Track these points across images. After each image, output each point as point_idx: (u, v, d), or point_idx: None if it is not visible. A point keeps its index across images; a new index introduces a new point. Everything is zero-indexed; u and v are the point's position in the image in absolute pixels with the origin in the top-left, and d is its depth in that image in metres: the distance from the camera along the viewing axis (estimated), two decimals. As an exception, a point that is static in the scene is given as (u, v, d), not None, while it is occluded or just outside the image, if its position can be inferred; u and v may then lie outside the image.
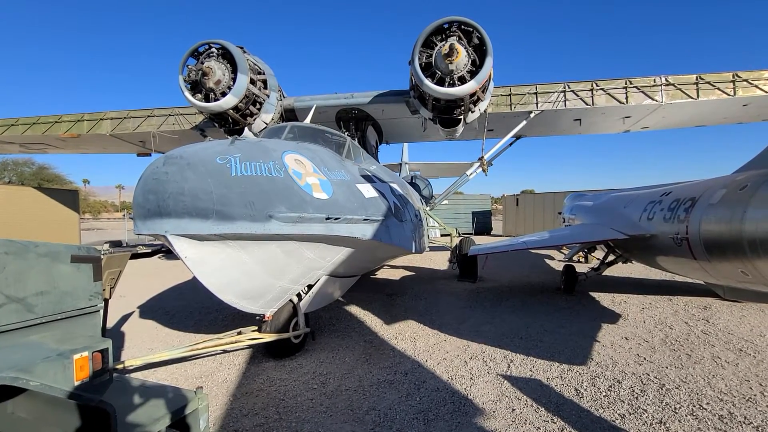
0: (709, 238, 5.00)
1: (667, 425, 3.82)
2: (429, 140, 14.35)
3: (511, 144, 13.77)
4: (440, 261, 15.48)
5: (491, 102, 10.92)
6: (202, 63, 8.78)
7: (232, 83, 8.80)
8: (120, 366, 4.63)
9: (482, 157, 12.19)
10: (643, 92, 11.29)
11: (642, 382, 4.77)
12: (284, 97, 10.75)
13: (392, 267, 14.20)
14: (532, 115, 11.54)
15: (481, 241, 12.59)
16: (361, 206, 5.60)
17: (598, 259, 10.21)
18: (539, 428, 3.85)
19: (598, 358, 5.56)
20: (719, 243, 4.82)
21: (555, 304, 8.64)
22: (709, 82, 11.05)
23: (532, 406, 4.28)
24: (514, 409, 4.22)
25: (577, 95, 11.41)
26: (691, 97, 11.10)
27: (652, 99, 11.23)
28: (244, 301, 4.89)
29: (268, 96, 9.57)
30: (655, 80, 11.26)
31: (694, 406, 4.16)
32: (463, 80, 8.23)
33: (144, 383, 3.09)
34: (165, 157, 3.85)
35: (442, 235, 14.06)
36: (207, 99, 8.97)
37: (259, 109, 9.54)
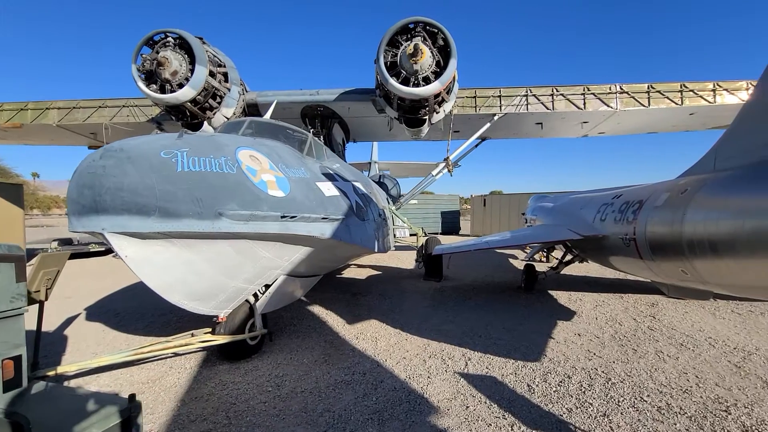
0: (653, 239, 5.25)
1: (610, 418, 3.97)
2: (396, 140, 14.39)
3: (476, 145, 14.05)
4: (407, 260, 15.56)
5: (456, 103, 11.08)
6: (158, 52, 8.36)
7: (189, 75, 8.43)
8: (52, 373, 4.30)
9: (448, 157, 12.34)
10: (599, 99, 11.81)
11: (590, 376, 4.95)
12: (246, 92, 10.43)
13: (359, 266, 14.13)
14: (496, 117, 11.79)
15: (450, 241, 12.74)
16: (320, 205, 5.50)
17: (557, 258, 10.57)
18: (491, 425, 3.90)
19: (552, 354, 5.73)
20: (662, 243, 5.06)
21: (515, 302, 8.86)
22: (659, 91, 11.71)
23: (485, 402, 4.34)
24: (468, 407, 4.26)
25: (539, 99, 11.78)
26: (643, 105, 11.73)
27: (608, 106, 11.77)
28: (194, 302, 4.68)
29: (229, 89, 9.25)
30: (610, 88, 11.81)
31: (636, 399, 4.35)
32: (427, 80, 8.28)
33: (74, 391, 2.88)
34: (103, 150, 3.61)
35: (410, 235, 14.13)
36: (163, 90, 8.55)
37: (219, 103, 9.20)
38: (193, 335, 5.51)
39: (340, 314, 7.90)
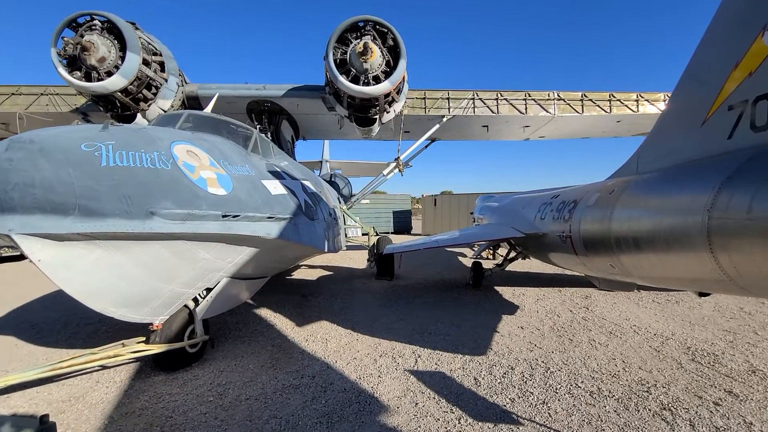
0: (586, 236, 5.63)
1: (549, 405, 4.20)
2: (347, 138, 14.29)
3: (426, 146, 14.34)
4: (359, 260, 15.50)
5: (406, 104, 11.22)
6: (82, 36, 7.57)
7: (120, 62, 7.73)
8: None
9: (398, 157, 12.47)
10: (539, 104, 12.55)
11: (531, 367, 5.21)
12: (186, 83, 9.79)
13: (309, 267, 13.84)
14: (444, 119, 12.10)
15: (401, 240, 12.86)
16: (266, 203, 5.27)
17: (502, 255, 11.05)
18: (439, 419, 3.96)
19: (497, 347, 5.96)
20: (594, 240, 5.44)
21: (463, 298, 9.12)
22: (591, 100, 12.68)
23: (434, 398, 4.40)
24: (417, 403, 4.29)
25: (485, 103, 12.26)
26: (578, 112, 12.64)
27: (547, 111, 12.54)
28: (124, 309, 4.28)
29: (166, 80, 8.61)
30: (549, 94, 12.59)
31: (572, 386, 4.64)
32: (377, 80, 8.29)
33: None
34: (9, 142, 3.17)
35: (362, 234, 14.08)
36: (89, 78, 7.76)
37: (155, 95, 8.54)
38: (123, 345, 5.05)
39: (289, 316, 7.67)
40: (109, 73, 7.72)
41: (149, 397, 4.47)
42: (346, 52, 8.13)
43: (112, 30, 7.78)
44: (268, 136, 9.81)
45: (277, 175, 6.37)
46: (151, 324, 4.84)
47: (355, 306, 8.52)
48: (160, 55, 8.41)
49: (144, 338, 5.05)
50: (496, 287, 10.20)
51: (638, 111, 12.61)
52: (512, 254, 10.37)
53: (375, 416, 4.05)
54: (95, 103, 8.68)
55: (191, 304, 5.27)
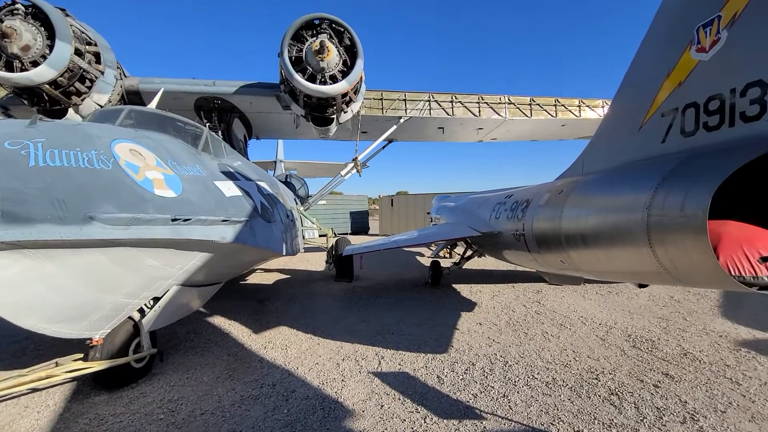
0: (538, 234, 5.90)
1: (509, 397, 4.35)
2: (303, 138, 13.99)
3: (384, 147, 14.39)
4: (317, 262, 15.24)
5: (364, 105, 11.18)
6: (2, 21, 6.75)
7: (48, 51, 6.98)
8: None
9: (356, 158, 12.40)
10: (491, 108, 13.04)
11: (491, 362, 5.37)
12: (126, 77, 9.06)
13: (265, 270, 13.39)
14: (401, 120, 12.22)
15: (359, 241, 12.79)
16: (219, 206, 5.00)
17: (459, 254, 11.34)
18: (405, 420, 3.96)
19: (458, 344, 6.09)
20: (545, 238, 5.71)
21: (424, 297, 9.25)
22: (539, 104, 13.39)
23: (399, 399, 4.40)
24: (382, 405, 4.27)
25: (440, 105, 12.54)
26: (527, 116, 13.29)
27: (499, 114, 13.06)
28: (58, 325, 3.86)
29: (103, 73, 7.90)
30: (500, 98, 13.12)
31: (529, 377, 4.84)
32: (334, 79, 8.17)
33: None
34: None
35: (320, 236, 13.82)
36: (10, 68, 6.94)
37: (89, 88, 7.80)
38: (57, 364, 4.55)
39: (246, 323, 7.35)
40: (35, 63, 6.93)
41: (89, 420, 4.08)
42: (301, 50, 7.93)
43: (38, 16, 7.00)
44: (218, 134, 9.35)
45: (230, 175, 6.07)
46: (90, 339, 4.42)
47: (315, 309, 8.35)
48: (95, 45, 7.68)
49: (81, 355, 4.60)
50: (454, 285, 10.46)
51: (580, 116, 13.51)
52: (469, 253, 10.67)
53: (340, 422, 3.98)
54: (18, 96, 7.76)
55: (137, 316, 4.88)
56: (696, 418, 3.82)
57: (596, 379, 4.74)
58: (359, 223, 31.74)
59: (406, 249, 18.54)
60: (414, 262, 15.48)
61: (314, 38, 7.87)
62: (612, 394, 4.36)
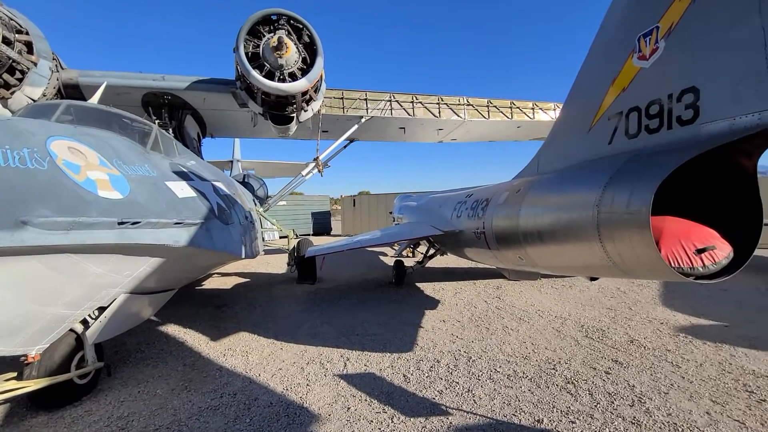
0: (497, 232, 6.09)
1: (473, 392, 4.45)
2: (261, 137, 13.55)
3: (345, 146, 14.28)
4: (278, 264, 14.86)
5: (325, 103, 11.03)
6: None
7: (-32, 39, 6.26)
8: None
9: (317, 157, 12.21)
10: (451, 109, 13.33)
11: (455, 358, 5.48)
12: (63, 69, 8.33)
13: (223, 275, 12.85)
14: (363, 120, 12.18)
15: (322, 242, 12.61)
16: (172, 208, 4.71)
17: (422, 253, 11.49)
18: (372, 421, 3.94)
19: (422, 342, 6.16)
20: (504, 235, 5.91)
21: (388, 297, 9.27)
22: (495, 106, 13.86)
23: (366, 400, 4.37)
24: (349, 408, 4.22)
25: (401, 105, 12.63)
26: (484, 117, 13.71)
27: (458, 115, 13.37)
28: (-15, 343, 3.47)
29: (36, 64, 7.20)
30: (459, 100, 13.44)
31: (491, 371, 4.99)
32: (294, 77, 7.98)
33: None
34: None
35: (281, 237, 13.48)
36: None
37: (20, 80, 7.09)
38: (-16, 386, 4.10)
39: (203, 331, 7.00)
40: (-49, 51, 6.21)
41: (24, 446, 3.71)
42: (258, 46, 7.67)
43: (-47, -2, 6.26)
44: (170, 132, 8.85)
45: (183, 175, 5.74)
46: (26, 356, 4.01)
47: (277, 313, 8.13)
48: (27, 33, 6.96)
49: (15, 374, 4.17)
50: (417, 284, 10.58)
51: (534, 118, 14.14)
52: (431, 251, 10.84)
53: (306, 427, 3.89)
54: (-69, 86, 6.90)
55: (79, 328, 4.50)
56: (643, 401, 4.11)
57: (554, 369, 4.97)
58: (321, 224, 31.33)
59: (369, 249, 18.54)
60: (377, 261, 15.51)
61: (272, 34, 7.64)
62: (568, 382, 4.59)
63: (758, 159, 3.07)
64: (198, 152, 10.91)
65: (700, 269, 3.10)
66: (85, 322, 4.54)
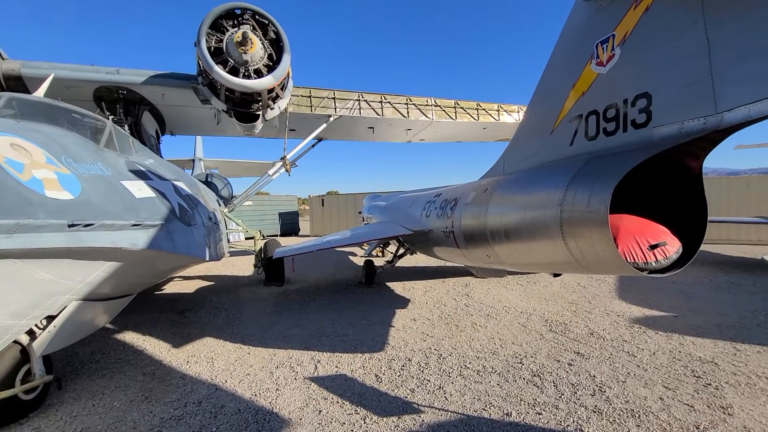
0: (466, 231, 6.19)
1: (444, 389, 4.51)
2: (225, 134, 13.08)
3: (313, 145, 14.08)
4: (245, 266, 14.44)
5: (292, 102, 10.81)
6: None
7: None
8: None
9: (284, 156, 11.94)
10: (419, 109, 13.44)
11: (426, 356, 5.53)
12: (4, 59, 7.67)
13: (185, 278, 12.32)
14: (331, 119, 12.03)
15: (290, 243, 12.36)
16: (129, 208, 4.45)
17: (392, 252, 11.52)
18: (344, 423, 3.90)
19: (393, 341, 6.17)
20: (472, 234, 6.02)
21: (358, 297, 9.23)
22: (462, 108, 14.10)
23: (337, 402, 4.33)
24: (320, 411, 4.16)
25: (370, 105, 12.59)
26: (452, 118, 13.92)
27: (426, 116, 13.50)
28: None
29: (-29, 53, 6.60)
30: (427, 101, 13.57)
31: (462, 367, 5.08)
32: (259, 74, 7.76)
33: None
34: None
35: (247, 239, 13.07)
36: None
37: (-47, 71, 6.45)
38: None
39: (164, 338, 6.68)
40: None
41: (-39, 471, 3.38)
42: (222, 41, 7.39)
43: None
44: (125, 129, 8.36)
45: (141, 174, 5.44)
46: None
47: (244, 317, 7.89)
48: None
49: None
50: (388, 283, 10.61)
51: (499, 120, 14.53)
52: (401, 251, 10.89)
53: (275, 433, 3.79)
54: None
55: (25, 339, 4.17)
56: (603, 390, 4.32)
57: (520, 363, 5.13)
58: (289, 224, 30.73)
59: (339, 249, 18.39)
60: (347, 262, 15.42)
61: (236, 29, 7.39)
62: (534, 375, 4.75)
63: (704, 161, 3.31)
64: (157, 150, 10.39)
65: (653, 264, 3.29)
66: (31, 333, 4.21)
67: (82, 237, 3.68)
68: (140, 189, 4.97)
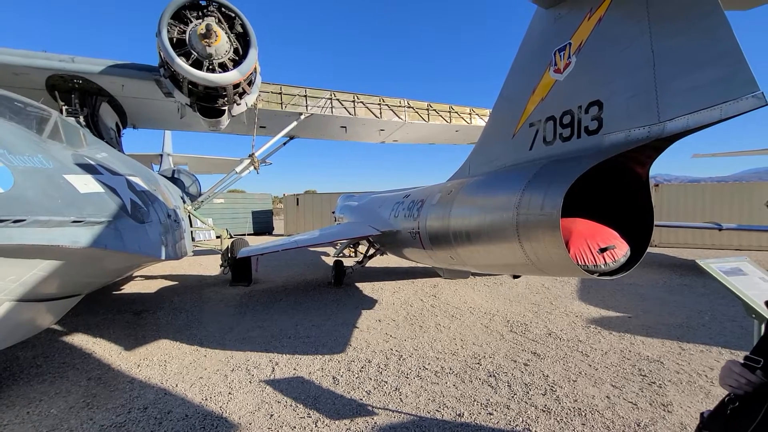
0: (431, 232, 6.20)
1: (400, 390, 4.48)
2: (191, 130, 12.66)
3: (285, 143, 13.85)
4: (211, 266, 14.01)
5: (261, 98, 10.58)
6: None
7: None
8: None
9: (253, 153, 11.66)
10: (392, 110, 13.43)
11: (387, 357, 5.49)
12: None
13: (147, 278, 11.84)
14: (302, 117, 11.85)
15: (262, 242, 12.09)
16: (70, 204, 4.19)
17: (362, 253, 11.45)
18: (295, 427, 3.81)
19: (356, 343, 6.11)
20: (437, 235, 6.03)
21: (325, 298, 9.11)
22: (435, 110, 14.20)
23: (291, 405, 4.22)
24: (272, 414, 4.05)
25: (342, 104, 12.48)
26: (424, 120, 13.99)
27: (399, 117, 13.51)
28: None
29: None
30: (400, 102, 13.59)
31: (420, 368, 5.07)
32: (225, 68, 7.52)
33: None
34: None
35: (217, 237, 12.67)
36: None
37: None
38: None
39: (115, 340, 6.36)
40: None
41: None
42: (185, 32, 7.11)
43: None
44: (80, 120, 7.92)
45: (89, 168, 5.14)
46: None
47: (205, 318, 7.63)
48: None
49: None
50: (357, 284, 10.53)
51: (471, 123, 14.72)
52: (371, 251, 10.83)
53: (222, 439, 3.65)
54: None
55: (-51, 344, 3.85)
56: (554, 389, 4.41)
57: (478, 363, 5.17)
58: (263, 223, 30.13)
59: (311, 249, 18.15)
60: (319, 261, 15.24)
61: (200, 20, 7.13)
62: (490, 375, 4.80)
63: (650, 167, 3.42)
64: (116, 143, 9.92)
65: (603, 266, 3.37)
66: (-43, 337, 3.90)
67: (11, 233, 3.43)
68: (86, 184, 4.70)
